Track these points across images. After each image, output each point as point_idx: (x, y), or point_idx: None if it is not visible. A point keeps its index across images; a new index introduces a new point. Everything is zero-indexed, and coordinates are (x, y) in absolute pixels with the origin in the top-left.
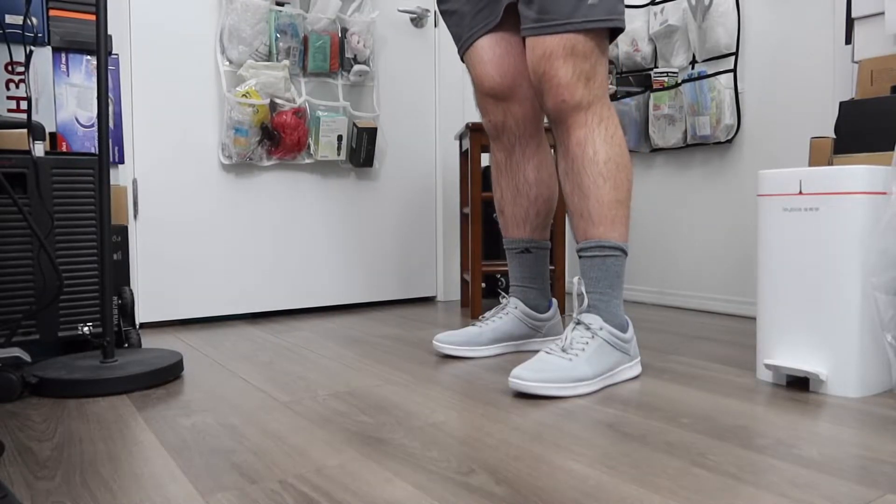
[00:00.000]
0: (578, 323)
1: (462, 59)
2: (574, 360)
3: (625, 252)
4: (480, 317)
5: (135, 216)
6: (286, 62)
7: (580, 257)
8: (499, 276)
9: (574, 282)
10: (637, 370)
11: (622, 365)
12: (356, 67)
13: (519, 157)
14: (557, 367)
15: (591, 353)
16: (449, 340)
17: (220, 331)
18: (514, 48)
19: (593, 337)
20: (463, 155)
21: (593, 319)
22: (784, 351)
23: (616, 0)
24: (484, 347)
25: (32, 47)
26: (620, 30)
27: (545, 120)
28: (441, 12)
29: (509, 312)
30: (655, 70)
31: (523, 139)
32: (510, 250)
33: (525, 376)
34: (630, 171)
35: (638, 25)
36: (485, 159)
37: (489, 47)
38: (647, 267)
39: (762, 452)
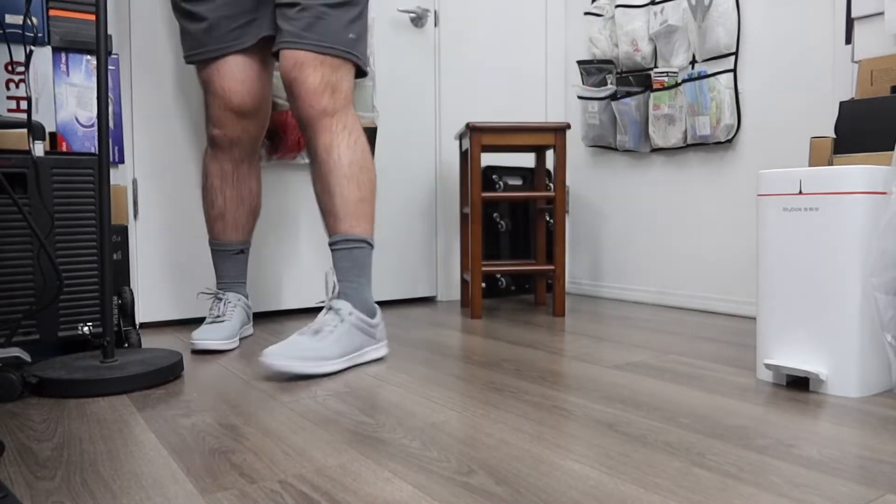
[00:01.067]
0: (330, 308)
1: (192, 63)
2: (322, 341)
3: (370, 244)
4: (215, 314)
5: (135, 216)
6: None
7: (332, 251)
8: (499, 276)
9: (325, 272)
10: (383, 352)
11: (367, 346)
12: None
13: (246, 170)
14: (307, 348)
15: (339, 336)
16: (212, 337)
17: None
18: (260, 70)
19: (342, 321)
20: (463, 155)
21: (343, 305)
22: (784, 351)
23: (365, 47)
24: (235, 339)
25: (32, 47)
26: (363, 73)
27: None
28: (182, 11)
29: (237, 306)
30: (655, 70)
31: (251, 154)
32: (225, 252)
33: (277, 352)
34: (372, 173)
35: (638, 25)
36: (485, 159)
37: (242, 66)
38: (647, 267)
39: (762, 452)
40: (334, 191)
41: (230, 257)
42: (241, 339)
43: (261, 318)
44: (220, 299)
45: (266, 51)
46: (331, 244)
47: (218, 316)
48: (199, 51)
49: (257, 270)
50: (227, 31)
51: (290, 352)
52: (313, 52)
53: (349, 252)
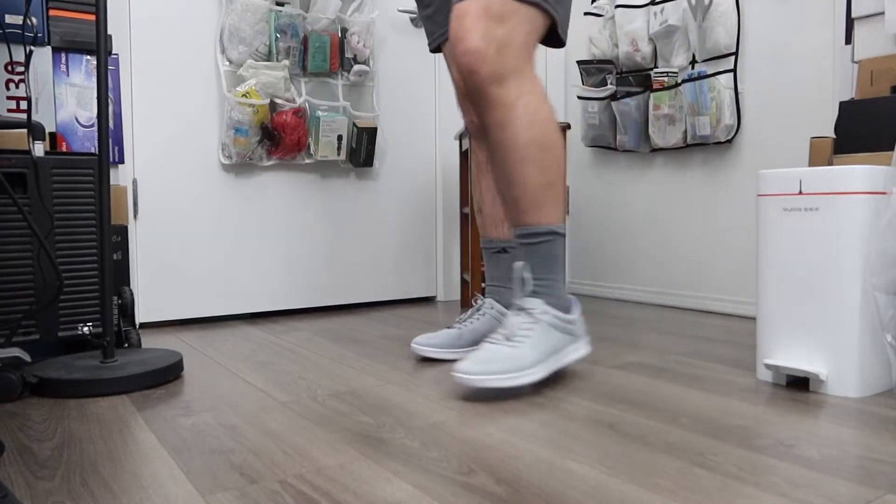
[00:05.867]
0: (521, 309)
1: (433, 51)
2: (518, 346)
3: (560, 234)
4: (457, 319)
5: (135, 216)
6: (286, 62)
7: (519, 245)
8: None
9: (516, 266)
10: (584, 350)
11: (568, 346)
12: (356, 67)
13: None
14: (502, 357)
15: (536, 339)
16: (428, 343)
17: (220, 331)
18: None
19: (536, 322)
20: (463, 155)
21: (535, 304)
22: (784, 351)
23: None
24: (464, 350)
25: (32, 47)
26: (559, 39)
27: None
28: (421, 17)
29: (486, 313)
30: (655, 70)
31: (479, 143)
32: (487, 250)
33: (469, 369)
34: (558, 148)
35: (638, 25)
36: None
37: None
38: (647, 267)
39: (762, 452)
40: (513, 178)
41: (491, 256)
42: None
43: (260, 318)
44: (477, 304)
45: None
46: (516, 237)
47: (458, 320)
48: (432, 37)
49: (261, 271)
50: (446, 14)
51: (485, 366)
52: None
53: (536, 248)
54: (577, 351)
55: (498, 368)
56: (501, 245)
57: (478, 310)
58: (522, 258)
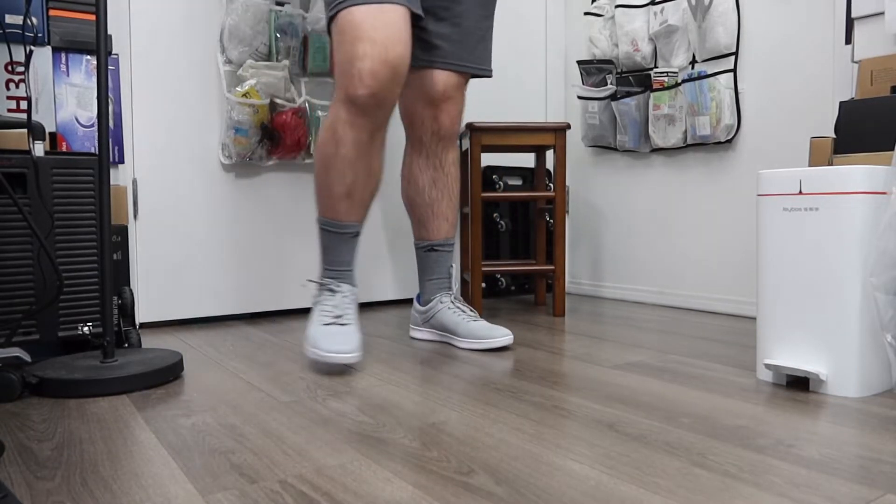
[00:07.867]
0: (457, 297)
1: (346, 6)
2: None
3: None
4: (340, 315)
5: (135, 216)
6: (286, 62)
7: (436, 250)
8: (499, 276)
9: (453, 268)
10: None
11: None
12: None
13: (379, 143)
14: (490, 325)
15: None
16: (345, 349)
17: (220, 331)
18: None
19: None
20: (463, 155)
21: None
22: (784, 351)
23: None
24: (362, 349)
25: (32, 47)
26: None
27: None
28: None
29: (353, 301)
30: (655, 70)
31: (385, 124)
32: (345, 234)
33: (494, 334)
34: None
35: (638, 25)
36: (485, 159)
37: (404, 21)
38: (647, 267)
39: (762, 452)
40: (454, 201)
41: (348, 241)
42: None
43: (260, 318)
44: (335, 291)
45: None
46: (440, 245)
47: (339, 316)
48: (443, 57)
49: (261, 271)
50: (465, 48)
51: (493, 332)
52: (468, 74)
53: (452, 254)
54: None
55: (505, 331)
56: (357, 229)
57: (345, 297)
58: (440, 262)
